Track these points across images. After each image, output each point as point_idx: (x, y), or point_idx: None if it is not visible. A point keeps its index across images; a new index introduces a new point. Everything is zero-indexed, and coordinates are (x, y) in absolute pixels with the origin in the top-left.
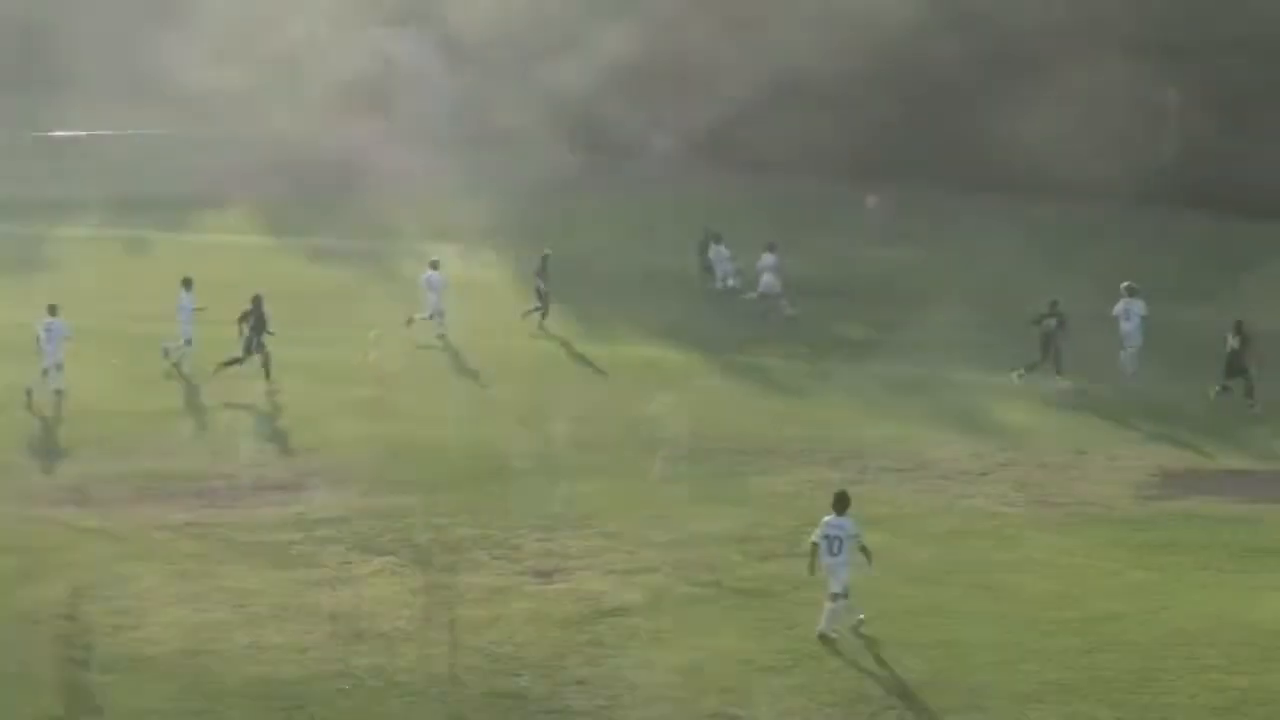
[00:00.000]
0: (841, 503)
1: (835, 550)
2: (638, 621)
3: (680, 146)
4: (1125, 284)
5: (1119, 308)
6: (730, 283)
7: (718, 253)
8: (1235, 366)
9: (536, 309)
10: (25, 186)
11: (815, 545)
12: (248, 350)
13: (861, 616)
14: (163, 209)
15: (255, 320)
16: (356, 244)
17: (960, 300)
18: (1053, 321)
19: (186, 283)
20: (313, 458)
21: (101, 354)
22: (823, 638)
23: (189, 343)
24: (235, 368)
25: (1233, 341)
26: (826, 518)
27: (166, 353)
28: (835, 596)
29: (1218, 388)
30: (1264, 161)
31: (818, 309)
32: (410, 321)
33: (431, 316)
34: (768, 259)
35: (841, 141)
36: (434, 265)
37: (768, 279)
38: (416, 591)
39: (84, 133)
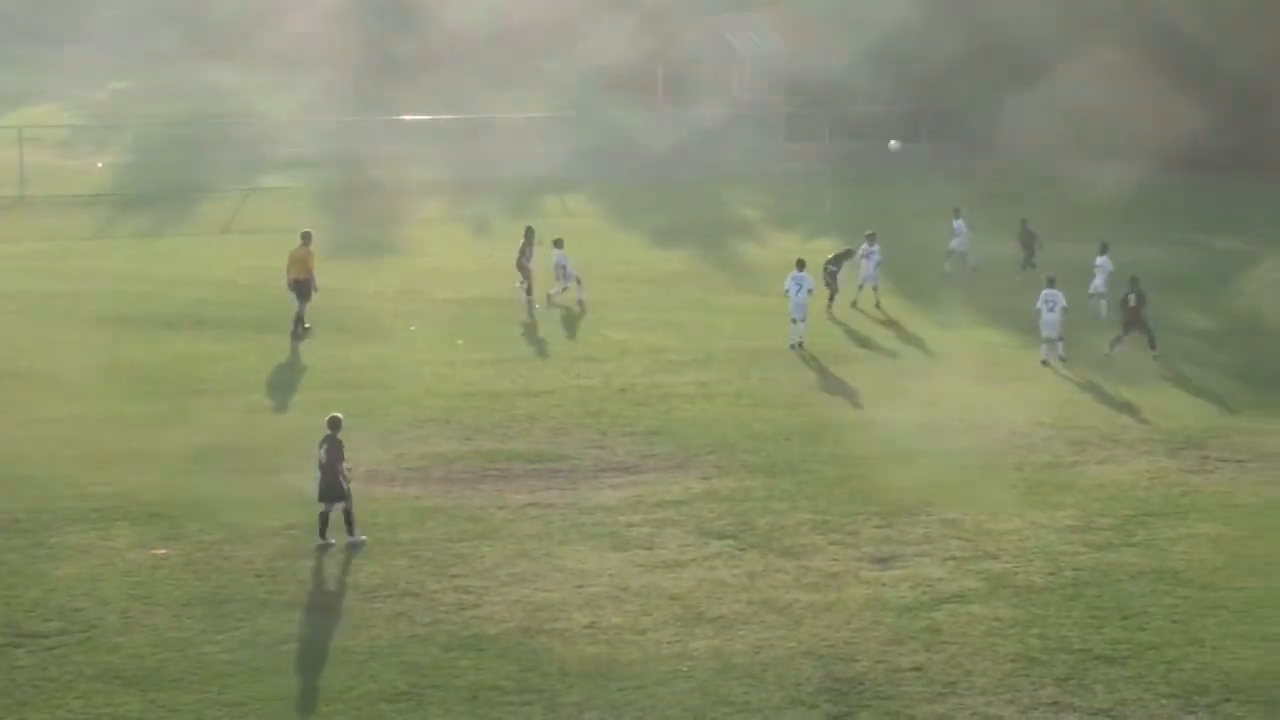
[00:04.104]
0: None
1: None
2: (975, 609)
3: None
4: None
5: None
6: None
7: (958, 228)
8: (1132, 321)
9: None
10: (378, 169)
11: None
12: None
13: None
14: (508, 192)
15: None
16: (696, 228)
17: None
18: (1132, 297)
19: (558, 242)
20: (655, 440)
21: (450, 333)
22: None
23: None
24: None
25: (1132, 300)
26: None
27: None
28: None
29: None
30: None
31: (1162, 299)
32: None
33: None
34: (1101, 260)
35: (1176, 131)
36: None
37: (1098, 281)
38: (755, 575)
39: (432, 116)
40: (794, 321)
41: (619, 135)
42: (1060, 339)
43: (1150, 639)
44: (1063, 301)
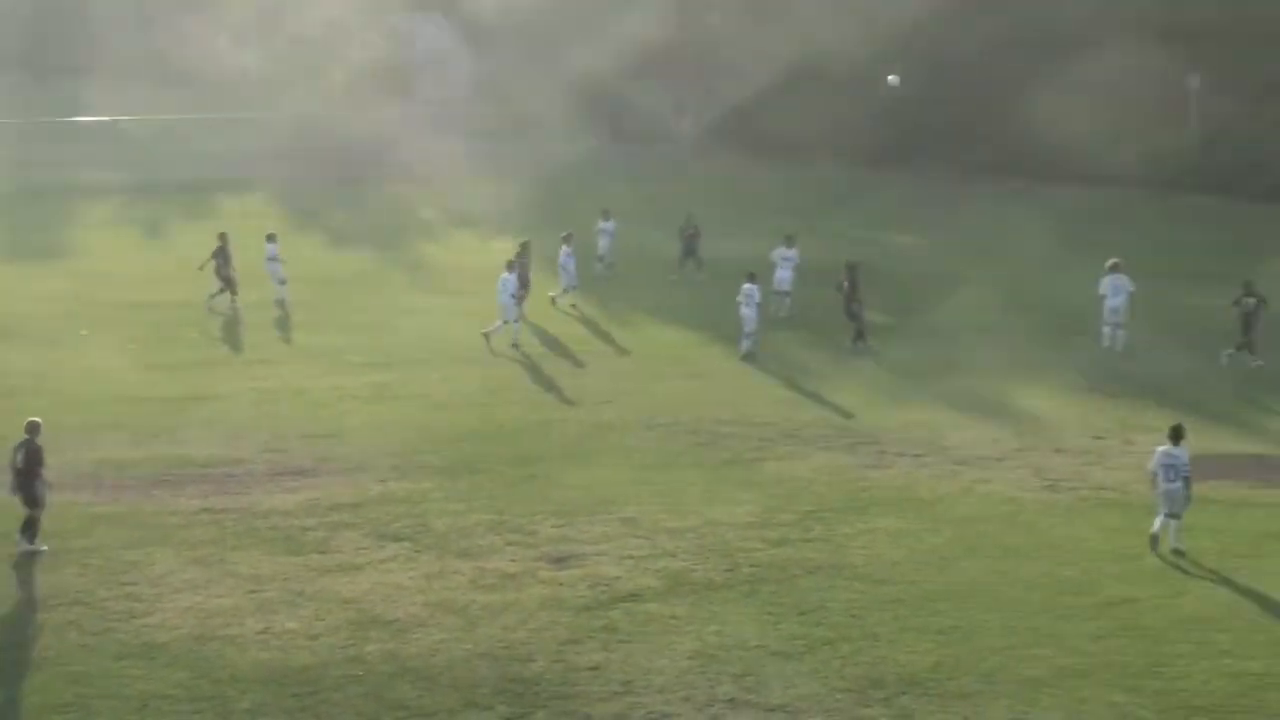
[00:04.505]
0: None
1: (1171, 478)
2: (652, 607)
3: (703, 131)
4: (1111, 260)
5: (1104, 284)
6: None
7: (605, 229)
8: (849, 311)
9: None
10: (45, 171)
11: (1154, 474)
12: None
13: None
14: (182, 193)
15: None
16: (376, 229)
17: (977, 284)
18: (1251, 301)
19: (270, 237)
20: (332, 443)
21: (121, 338)
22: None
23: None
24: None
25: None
26: (1163, 448)
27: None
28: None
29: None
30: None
31: (835, 294)
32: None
33: (567, 289)
34: (785, 252)
35: (860, 126)
36: (566, 239)
37: (783, 273)
38: (431, 577)
39: (105, 118)
40: (505, 323)
41: (299, 136)
42: (752, 334)
43: (827, 634)
44: (757, 297)
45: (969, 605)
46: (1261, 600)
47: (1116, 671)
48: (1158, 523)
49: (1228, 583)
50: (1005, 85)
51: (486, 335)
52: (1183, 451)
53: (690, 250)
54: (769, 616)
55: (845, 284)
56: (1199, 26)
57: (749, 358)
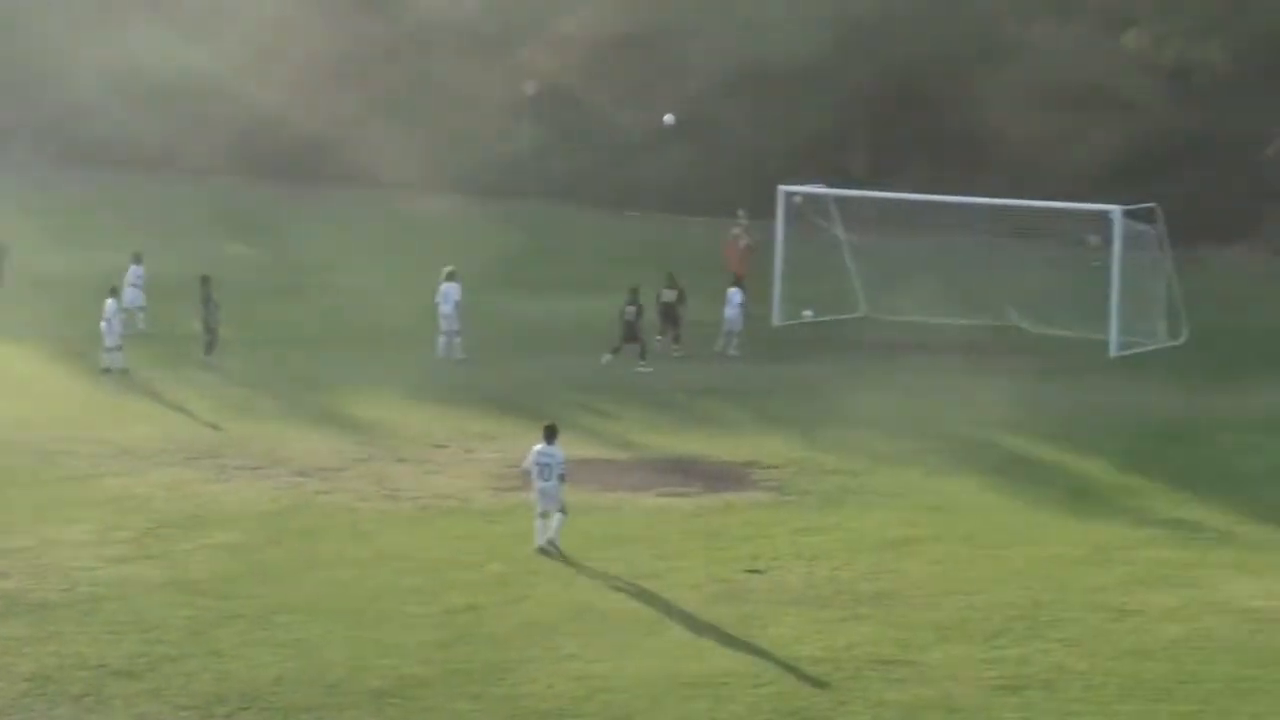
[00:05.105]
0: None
1: (546, 476)
2: None
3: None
4: (447, 268)
5: (439, 292)
6: None
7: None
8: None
9: None
10: None
11: (527, 471)
12: None
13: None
14: None
15: None
16: None
17: (319, 295)
18: (633, 309)
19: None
20: None
21: None
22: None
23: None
24: None
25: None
26: (538, 446)
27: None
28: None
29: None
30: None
31: (170, 308)
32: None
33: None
34: (135, 270)
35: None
36: None
37: (132, 292)
38: None
39: None
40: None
41: None
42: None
43: (168, 651)
44: (112, 313)
45: (312, 618)
46: (603, 602)
47: (462, 679)
48: (538, 522)
49: (570, 586)
50: (348, 100)
51: None
52: (557, 450)
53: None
54: (110, 635)
55: (208, 299)
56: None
57: (108, 372)
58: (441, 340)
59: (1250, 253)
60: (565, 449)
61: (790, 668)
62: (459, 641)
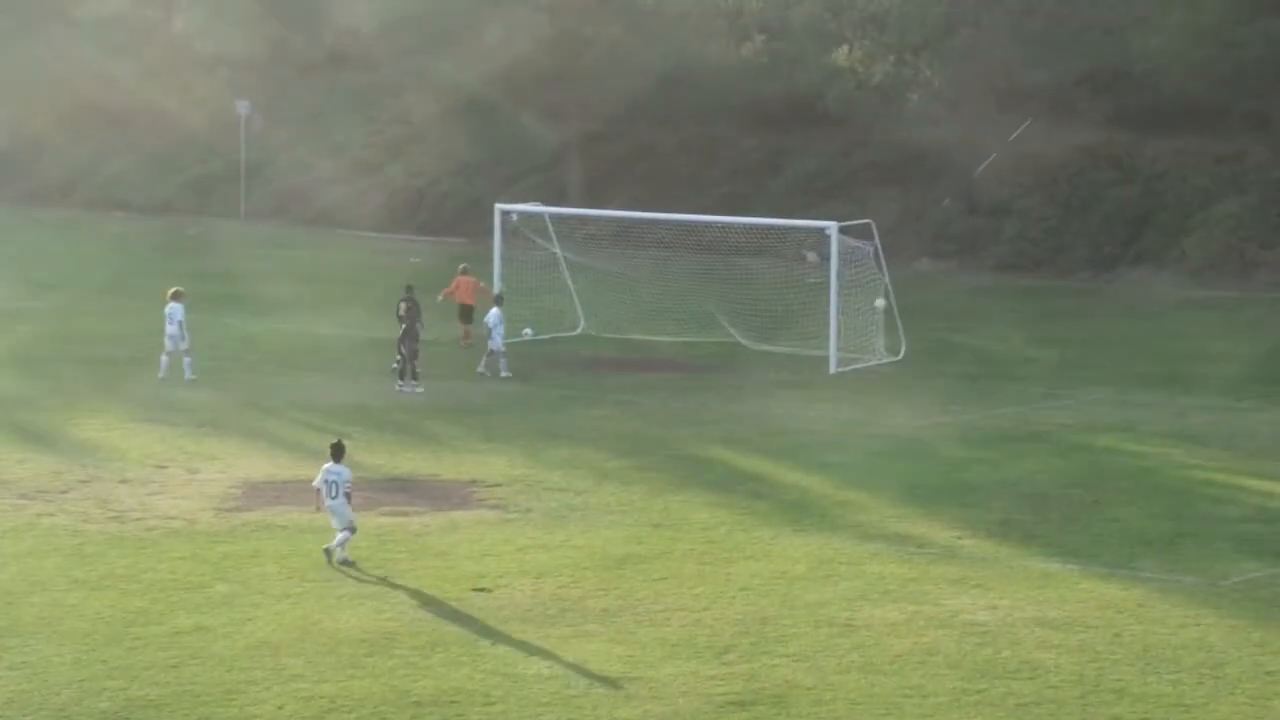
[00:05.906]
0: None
1: (334, 494)
2: None
3: None
4: (173, 289)
5: (167, 312)
6: None
7: None
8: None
9: None
10: None
11: (319, 489)
12: None
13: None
14: None
15: None
16: None
17: (36, 316)
18: (405, 305)
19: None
20: None
21: None
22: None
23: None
24: None
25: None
26: (327, 465)
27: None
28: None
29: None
30: None
31: None
32: None
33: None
34: None
35: None
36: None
37: None
38: None
39: None
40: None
41: None
42: None
43: None
44: None
45: (37, 641)
46: (331, 622)
47: (191, 701)
48: (336, 539)
49: (298, 605)
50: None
51: None
52: (344, 468)
53: None
54: None
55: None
56: (245, 58)
57: None
58: (164, 360)
59: (965, 269)
60: (285, 470)
61: (520, 686)
62: (188, 662)
